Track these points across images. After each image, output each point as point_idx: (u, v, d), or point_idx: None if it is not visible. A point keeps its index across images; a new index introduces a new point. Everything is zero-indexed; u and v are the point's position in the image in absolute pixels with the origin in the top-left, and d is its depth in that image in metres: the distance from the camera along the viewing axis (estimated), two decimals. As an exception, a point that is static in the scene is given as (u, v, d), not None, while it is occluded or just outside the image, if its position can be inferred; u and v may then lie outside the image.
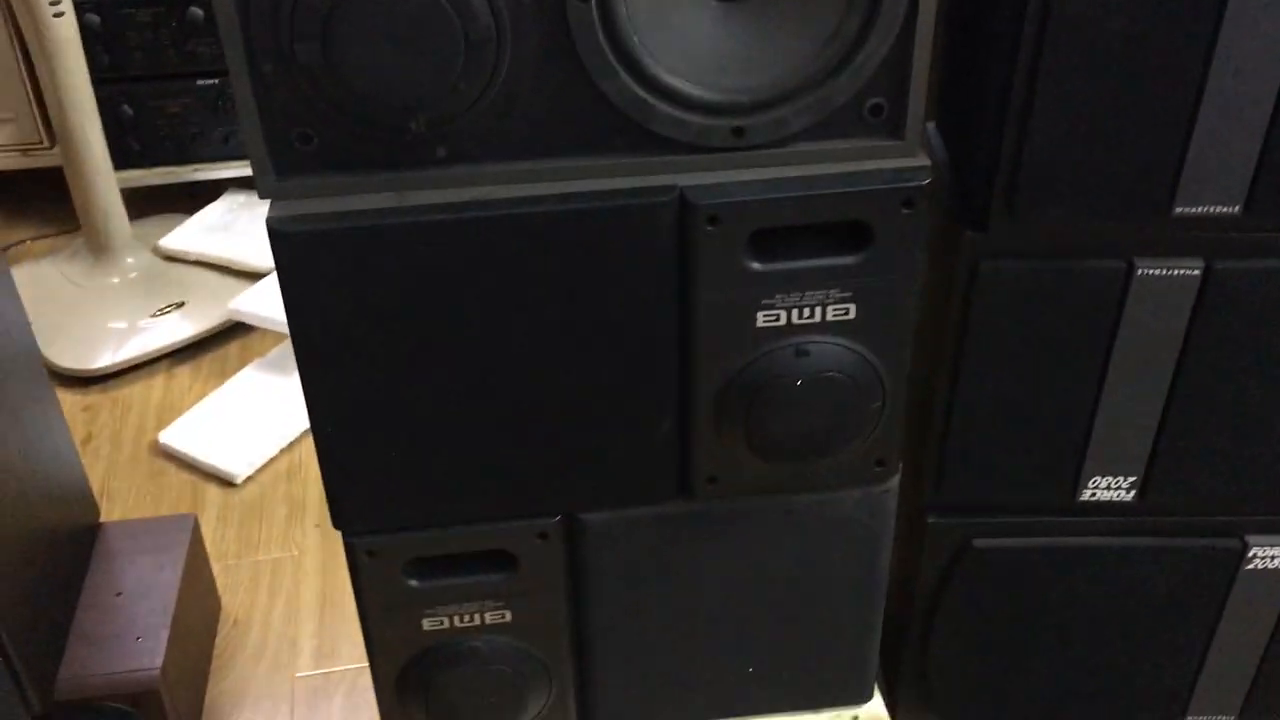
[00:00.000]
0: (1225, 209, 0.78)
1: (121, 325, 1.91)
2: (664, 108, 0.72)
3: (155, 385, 1.80)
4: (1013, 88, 0.74)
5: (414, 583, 0.88)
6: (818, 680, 0.99)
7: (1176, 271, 0.80)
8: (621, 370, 0.80)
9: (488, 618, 0.90)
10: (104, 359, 1.84)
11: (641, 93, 0.71)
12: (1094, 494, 0.91)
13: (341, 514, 0.84)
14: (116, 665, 1.15)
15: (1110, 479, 0.90)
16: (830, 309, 0.78)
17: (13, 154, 2.18)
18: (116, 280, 1.98)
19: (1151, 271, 0.80)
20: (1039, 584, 0.96)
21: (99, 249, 1.98)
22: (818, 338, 0.79)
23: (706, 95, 0.72)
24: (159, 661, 1.15)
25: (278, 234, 0.72)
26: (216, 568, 1.44)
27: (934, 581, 0.97)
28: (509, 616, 0.90)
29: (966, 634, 0.99)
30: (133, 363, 1.83)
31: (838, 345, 0.80)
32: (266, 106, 0.70)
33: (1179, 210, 0.78)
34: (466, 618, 0.90)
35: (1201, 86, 0.73)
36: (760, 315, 0.78)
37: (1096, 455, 0.89)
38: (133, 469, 1.63)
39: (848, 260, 0.77)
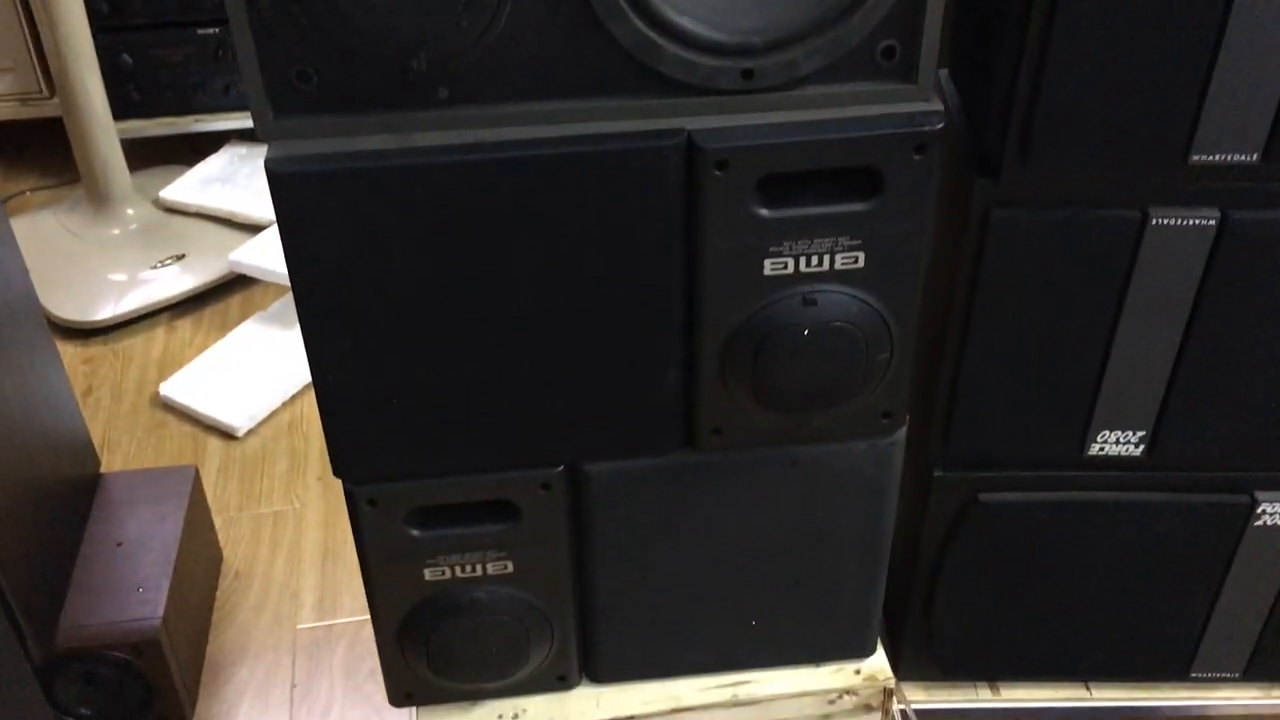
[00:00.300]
0: (1242, 158, 0.76)
1: (121, 277, 1.89)
2: (672, 49, 0.70)
3: (156, 338, 1.79)
4: (1028, 33, 0.72)
5: (415, 532, 0.87)
6: (820, 634, 0.99)
7: (1192, 221, 0.79)
8: (626, 318, 0.78)
9: (490, 568, 0.90)
10: (104, 311, 1.83)
11: (649, 33, 0.69)
12: (1102, 448, 0.90)
13: (342, 462, 0.83)
14: (117, 615, 1.15)
15: (1119, 433, 0.89)
16: (839, 257, 0.77)
17: (11, 103, 2.16)
18: (117, 232, 1.96)
19: (1166, 221, 0.79)
20: (1045, 539, 0.95)
21: (99, 200, 1.96)
22: (826, 287, 0.78)
23: (716, 36, 0.70)
24: (160, 612, 1.15)
25: (276, 175, 0.70)
26: (217, 520, 1.43)
27: (939, 537, 0.97)
28: (511, 567, 0.90)
29: (971, 589, 0.99)
30: (133, 315, 1.82)
31: (846, 294, 0.78)
32: (265, 44, 0.68)
33: (1195, 158, 0.76)
34: (468, 568, 0.89)
35: (1221, 33, 0.71)
36: (768, 263, 0.77)
37: (1106, 409, 0.88)
38: (133, 421, 1.62)
39: (857, 207, 0.75)
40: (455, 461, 0.84)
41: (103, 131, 1.91)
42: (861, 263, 0.77)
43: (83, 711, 1.17)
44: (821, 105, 0.73)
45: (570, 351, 0.80)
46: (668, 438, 0.85)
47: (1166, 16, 0.71)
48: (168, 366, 1.72)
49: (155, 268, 1.91)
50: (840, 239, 0.76)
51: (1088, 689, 1.06)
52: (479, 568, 0.89)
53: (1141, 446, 0.90)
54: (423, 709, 0.98)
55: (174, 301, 1.85)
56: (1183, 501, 0.92)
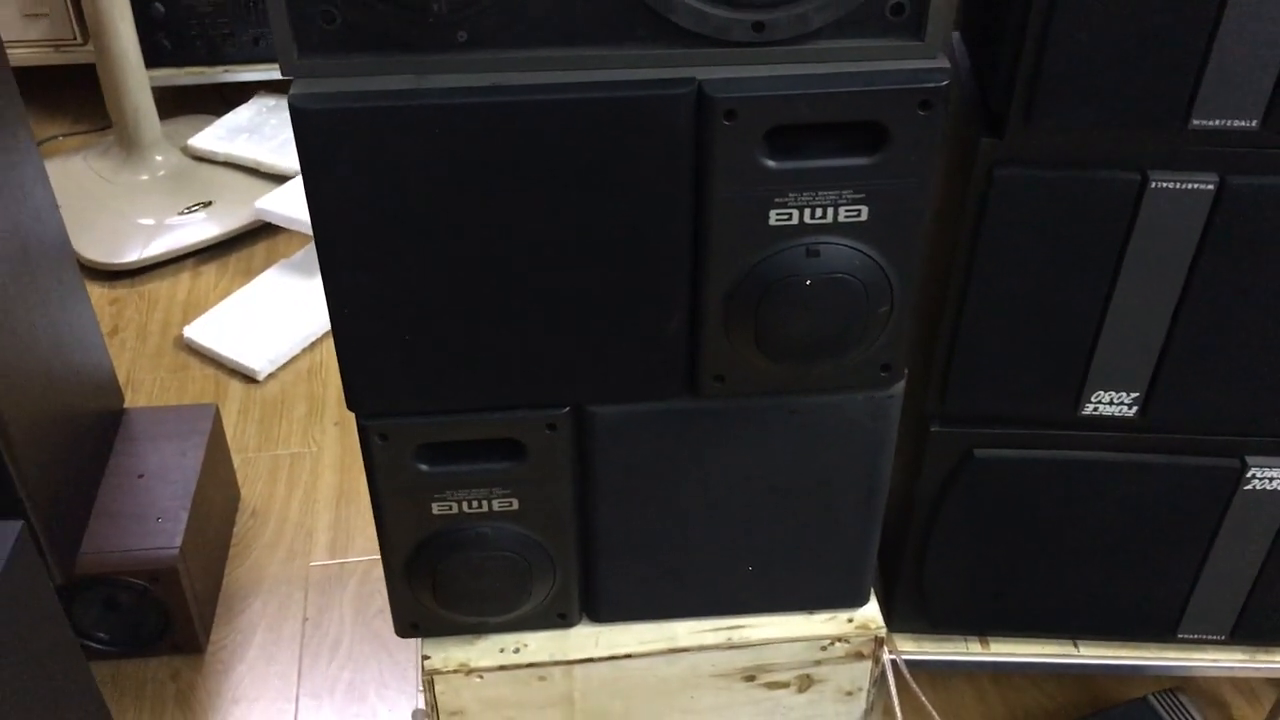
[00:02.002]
0: (1243, 123, 0.77)
1: (150, 222, 1.93)
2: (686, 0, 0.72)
3: (181, 282, 1.83)
4: (1034, -5, 0.74)
5: (424, 467, 0.90)
6: (815, 582, 1.02)
7: (1191, 185, 0.80)
8: (633, 263, 0.81)
9: (495, 505, 0.93)
10: (132, 254, 1.86)
11: (662, -18, 0.71)
12: (1096, 408, 0.92)
13: (355, 396, 0.86)
14: (136, 543, 1.18)
15: (1113, 394, 0.91)
16: (843, 210, 0.79)
17: (46, 49, 2.19)
18: (145, 177, 1.99)
19: (1165, 184, 0.80)
20: (1037, 496, 0.97)
21: (129, 146, 1.99)
22: (829, 239, 0.80)
23: (727, -12, 0.72)
24: (178, 541, 1.19)
25: (299, 111, 0.73)
26: (236, 460, 1.47)
27: (935, 491, 0.99)
28: (516, 504, 0.93)
29: (964, 543, 1.01)
30: (160, 259, 1.86)
31: (849, 247, 0.80)
32: (291, -17, 0.71)
33: (1196, 123, 0.78)
34: (475, 504, 0.92)
35: (1223, 0, 0.72)
36: (773, 213, 0.79)
37: (1100, 369, 0.90)
38: (157, 362, 1.66)
39: (862, 161, 0.77)
40: (464, 399, 0.87)
41: (134, 79, 1.94)
42: (865, 216, 0.79)
43: (100, 635, 1.21)
44: (830, 59, 0.75)
45: (578, 293, 0.82)
46: (671, 383, 0.88)
47: (1172, -21, 0.72)
48: (192, 310, 1.76)
49: (182, 214, 1.94)
50: (844, 192, 0.78)
51: (1075, 645, 1.08)
52: (485, 504, 0.92)
53: (1135, 408, 0.92)
54: (427, 640, 1.02)
55: (200, 247, 1.89)
56: (1174, 463, 0.94)
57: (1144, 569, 1.01)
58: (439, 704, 1.03)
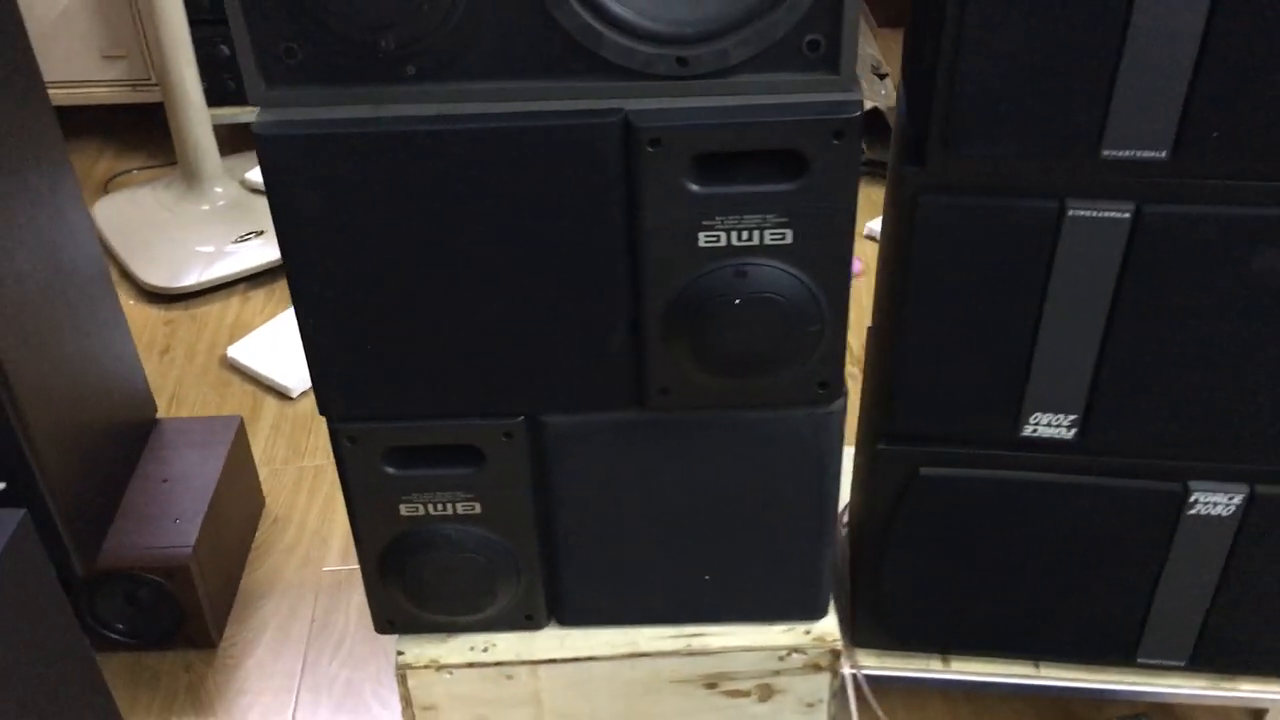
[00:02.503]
0: (1153, 153, 0.81)
1: (209, 249, 2.04)
2: (613, 36, 0.78)
3: (231, 305, 1.93)
4: (945, 29, 0.78)
5: (391, 470, 0.96)
6: (772, 594, 1.05)
7: (1107, 214, 0.84)
8: (574, 281, 0.87)
9: (459, 507, 0.99)
10: (190, 278, 1.98)
11: (591, 21, 0.78)
12: (1035, 430, 0.95)
13: (325, 401, 0.93)
14: (154, 541, 1.27)
15: (1051, 416, 0.94)
16: (768, 233, 0.84)
17: (124, 89, 2.34)
18: (206, 208, 2.12)
19: (1082, 213, 0.84)
20: (985, 516, 1.00)
21: (191, 179, 2.12)
22: (757, 260, 0.85)
23: (653, 26, 0.78)
24: (192, 540, 1.27)
25: (260, 137, 0.80)
26: (265, 471, 1.55)
27: (886, 508, 1.02)
28: (479, 508, 0.99)
29: (917, 561, 1.04)
30: (214, 284, 1.97)
31: (775, 268, 0.85)
32: (255, 22, 0.78)
33: (1107, 153, 0.81)
34: (440, 506, 0.98)
35: (1125, 29, 0.76)
36: (702, 235, 0.84)
37: (1037, 392, 0.93)
38: (201, 379, 1.76)
39: (784, 187, 0.82)
40: (425, 406, 0.94)
41: (196, 116, 2.07)
42: (789, 239, 0.84)
43: (119, 627, 1.30)
44: (751, 92, 0.81)
45: (525, 309, 0.88)
46: (618, 395, 0.93)
47: (1072, 12, 0.76)
48: (238, 331, 1.86)
49: (237, 241, 2.05)
50: (768, 216, 0.83)
51: (1036, 667, 1.10)
52: (450, 507, 0.99)
53: (1074, 430, 0.94)
54: (404, 638, 1.08)
55: (250, 273, 2.00)
56: (1115, 486, 0.96)
57: (1097, 592, 1.03)
58: (413, 699, 1.09)
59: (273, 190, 0.83)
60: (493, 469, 0.96)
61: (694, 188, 0.82)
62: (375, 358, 0.91)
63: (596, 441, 0.96)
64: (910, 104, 0.90)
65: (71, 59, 2.27)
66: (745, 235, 0.84)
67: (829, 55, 0.79)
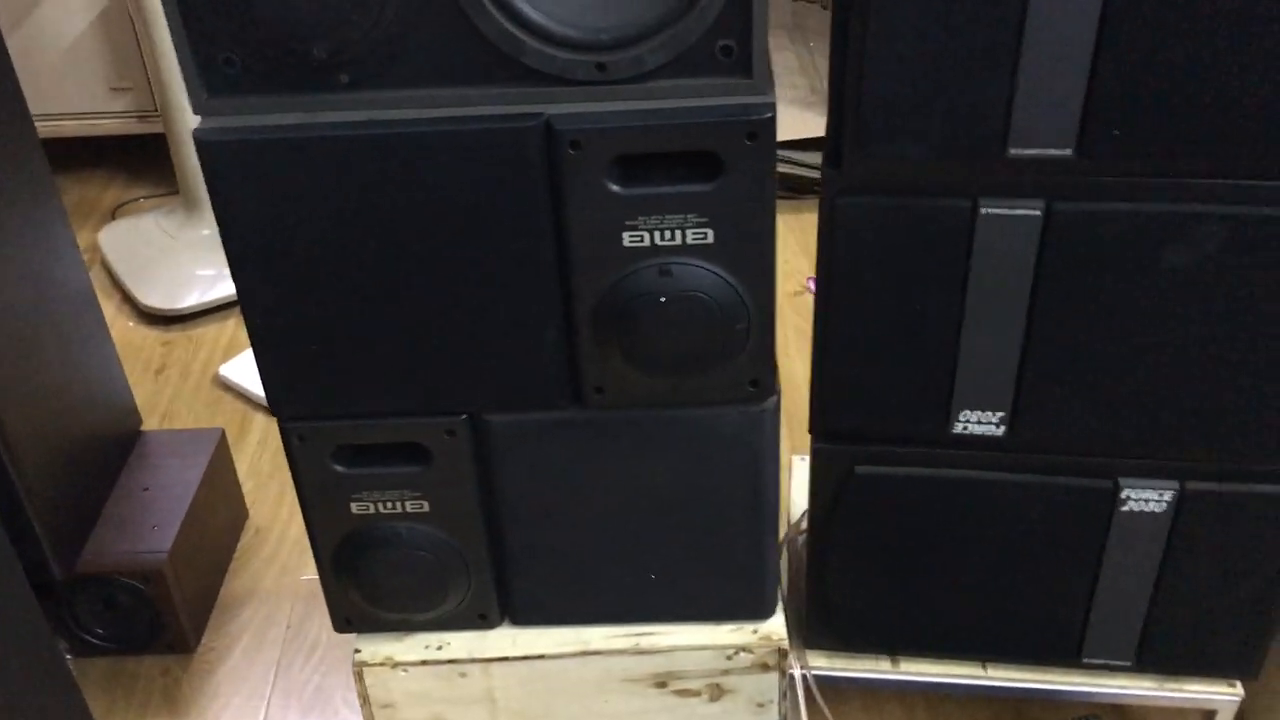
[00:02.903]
0: (1058, 152, 0.83)
1: (209, 272, 2.10)
2: (533, 43, 0.82)
3: (227, 327, 1.98)
4: (849, 34, 0.81)
5: (340, 468, 1.00)
6: (719, 594, 1.07)
7: (1018, 211, 0.86)
8: (505, 281, 0.90)
9: (408, 505, 1.01)
10: (188, 300, 2.03)
11: (512, 29, 0.81)
12: (966, 427, 0.97)
13: (274, 400, 0.97)
14: (132, 546, 1.31)
15: (980, 413, 0.96)
16: (690, 233, 0.87)
17: (131, 119, 2.41)
18: (206, 233, 2.17)
19: (994, 211, 0.86)
20: (922, 513, 1.02)
21: (191, 206, 2.17)
22: (681, 259, 0.88)
23: (571, 33, 0.82)
24: (168, 546, 1.30)
25: (202, 143, 0.84)
26: (250, 483, 1.59)
27: (826, 508, 1.04)
28: (426, 506, 1.02)
29: (859, 560, 1.06)
30: (210, 306, 2.02)
31: (699, 267, 0.88)
32: (195, 33, 0.82)
33: (1014, 152, 0.83)
34: (389, 504, 1.01)
35: (1021, 31, 0.78)
36: (626, 235, 0.87)
37: (964, 389, 0.95)
38: (195, 396, 1.81)
39: (702, 188, 0.85)
40: (372, 404, 0.97)
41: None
42: (711, 238, 0.87)
43: (99, 631, 1.33)
44: (668, 96, 0.84)
45: (461, 309, 0.91)
46: (556, 394, 0.96)
47: (970, 13, 0.79)
48: (232, 351, 1.90)
49: (236, 266, 2.11)
50: (689, 215, 0.86)
51: (983, 667, 1.11)
52: (399, 505, 1.01)
53: (1003, 427, 0.96)
54: (362, 636, 1.11)
55: (248, 296, 2.05)
56: (1047, 483, 0.98)
57: (1037, 591, 1.04)
58: (370, 696, 1.11)
59: (215, 195, 0.87)
60: (439, 467, 0.99)
61: (615, 188, 0.85)
62: (321, 357, 0.94)
63: (537, 440, 0.99)
64: (831, 108, 0.93)
65: (81, 91, 2.35)
66: (668, 235, 0.87)
67: (741, 60, 0.82)
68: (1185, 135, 0.81)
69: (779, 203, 0.87)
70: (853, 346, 0.95)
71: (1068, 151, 0.83)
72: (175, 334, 1.99)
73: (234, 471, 1.53)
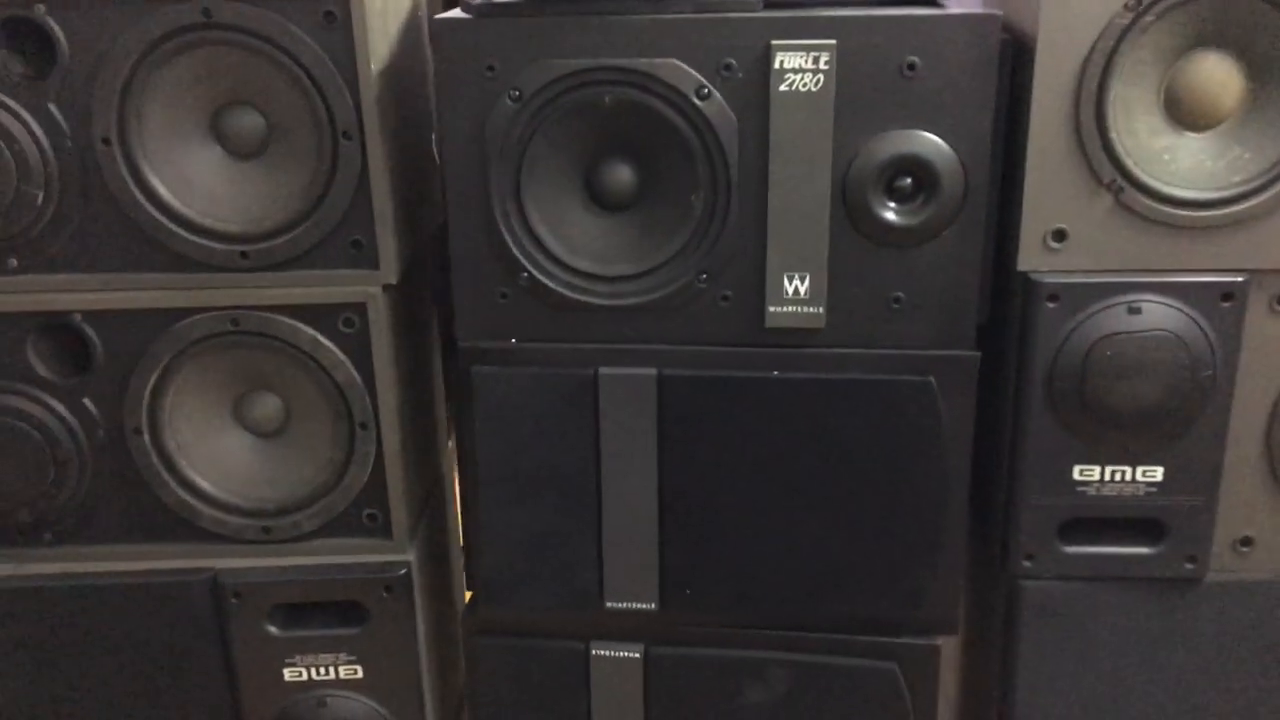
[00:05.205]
0: (645, 605, 0.99)
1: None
2: (208, 511, 0.98)
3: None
4: (466, 514, 0.99)
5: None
6: None
7: (621, 653, 1.01)
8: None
9: None
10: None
11: (188, 499, 0.98)
12: (606, 846, 1.06)
13: None
14: None
15: None
16: (342, 669, 1.01)
17: None
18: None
19: (603, 652, 1.01)
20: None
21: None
22: (336, 691, 1.01)
23: (239, 502, 0.99)
24: None
25: (-86, 590, 0.98)
26: None
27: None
28: None
29: None
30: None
31: (352, 700, 1.01)
32: (-79, 499, 0.98)
33: (609, 605, 0.99)
34: None
35: (600, 515, 0.96)
36: (286, 671, 1.01)
37: None
38: None
39: (351, 631, 1.00)
40: None
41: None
42: (361, 674, 1.01)
43: None
44: (323, 554, 1.00)
45: (142, 735, 1.02)
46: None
47: (558, 504, 0.97)
48: None
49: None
50: (340, 654, 1.00)
51: None
52: None
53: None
54: None
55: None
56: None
57: None
58: None
59: (-77, 634, 1.00)
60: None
61: (273, 630, 1.00)
62: None
63: None
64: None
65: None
66: (324, 670, 1.01)
67: (384, 525, 1.00)
68: (743, 594, 0.98)
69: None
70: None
71: (653, 605, 0.99)
72: None
73: None
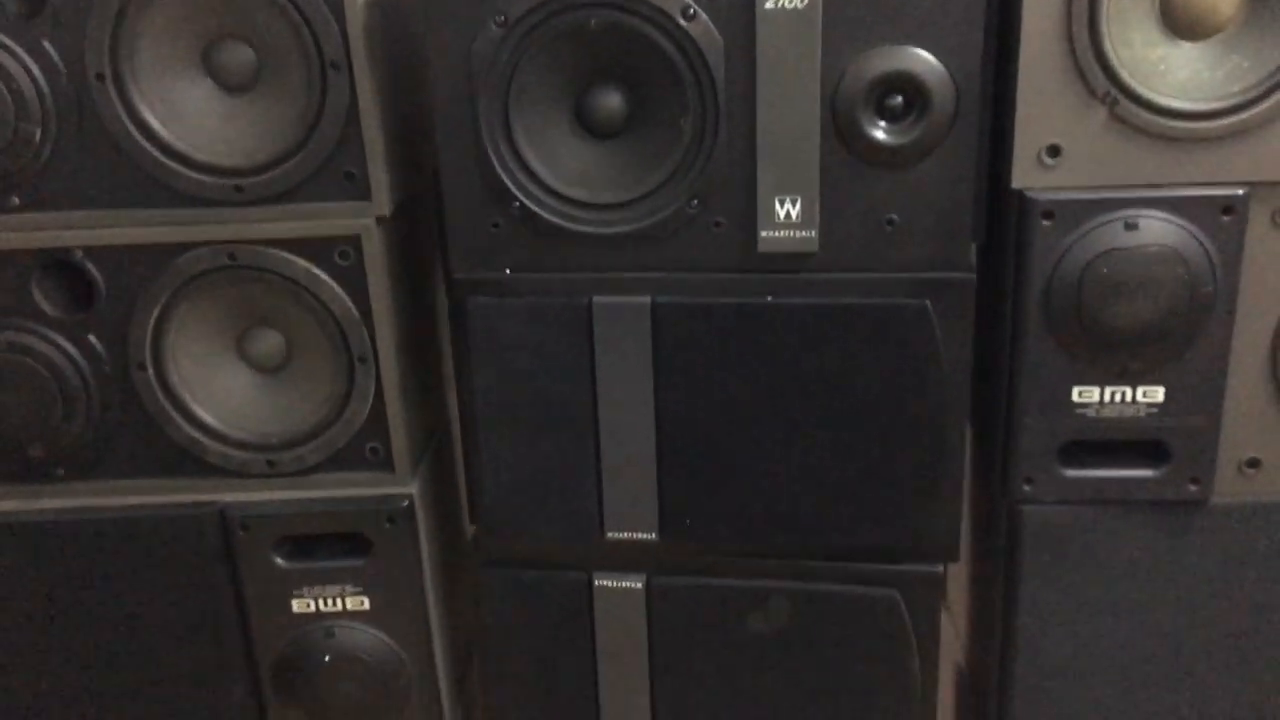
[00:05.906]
0: (646, 535, 0.99)
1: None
2: (214, 446, 1.00)
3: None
4: (465, 449, 1.00)
5: None
6: None
7: (624, 584, 1.01)
8: (192, 643, 1.04)
9: None
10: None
11: (195, 434, 0.99)
12: None
13: None
14: None
15: None
16: (349, 600, 1.02)
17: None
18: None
19: (605, 583, 1.01)
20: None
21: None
22: (344, 623, 1.02)
23: (244, 437, 1.00)
24: None
25: (-68, 523, 1.01)
26: None
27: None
28: None
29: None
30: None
31: (360, 630, 1.02)
32: (-63, 436, 1.01)
33: (610, 535, 1.00)
34: None
35: (598, 447, 0.96)
36: (295, 602, 1.02)
37: (608, 737, 1.07)
38: None
39: (356, 563, 1.01)
40: None
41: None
42: (367, 605, 1.02)
43: None
44: (327, 487, 1.01)
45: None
46: (245, 743, 1.08)
47: (556, 438, 0.97)
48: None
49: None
50: (346, 586, 1.02)
51: None
52: None
53: None
54: None
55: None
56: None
57: None
58: None
59: (-57, 568, 1.02)
60: None
61: (280, 563, 1.01)
62: (33, 709, 1.06)
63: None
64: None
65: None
66: (332, 601, 1.02)
67: (386, 458, 1.01)
68: (742, 523, 0.98)
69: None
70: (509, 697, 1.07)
71: (653, 535, 0.99)
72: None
73: None
